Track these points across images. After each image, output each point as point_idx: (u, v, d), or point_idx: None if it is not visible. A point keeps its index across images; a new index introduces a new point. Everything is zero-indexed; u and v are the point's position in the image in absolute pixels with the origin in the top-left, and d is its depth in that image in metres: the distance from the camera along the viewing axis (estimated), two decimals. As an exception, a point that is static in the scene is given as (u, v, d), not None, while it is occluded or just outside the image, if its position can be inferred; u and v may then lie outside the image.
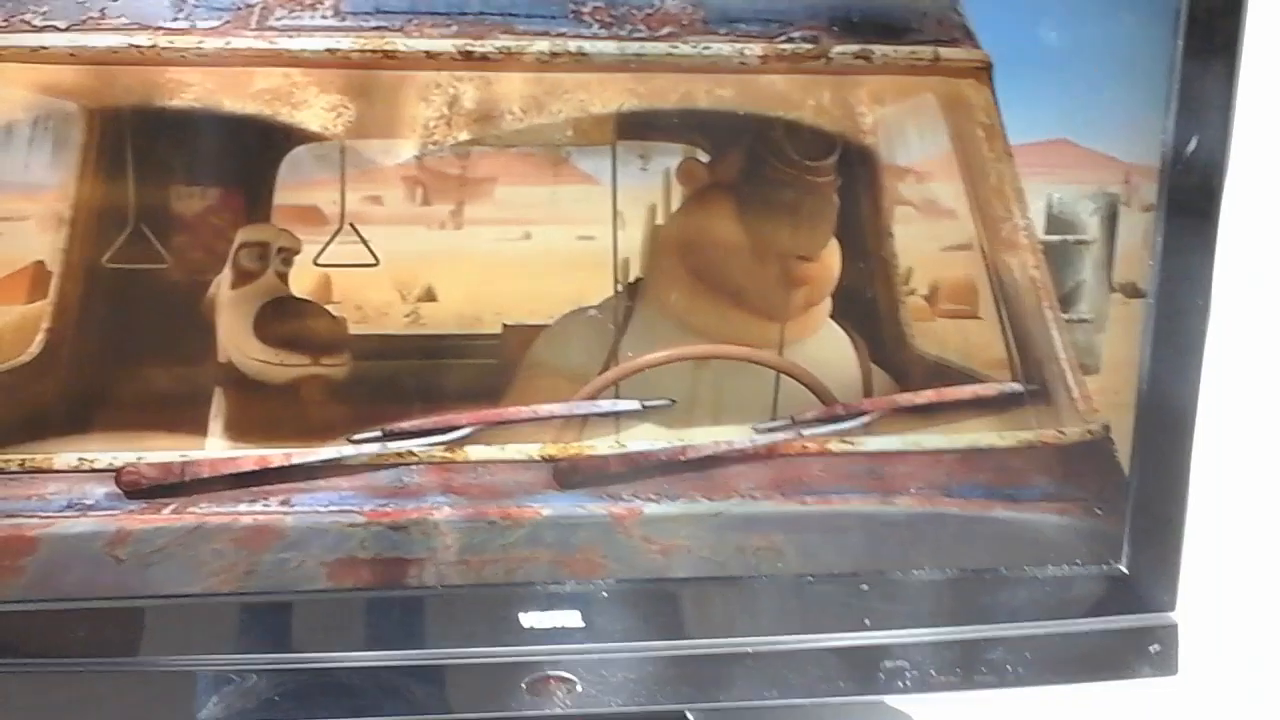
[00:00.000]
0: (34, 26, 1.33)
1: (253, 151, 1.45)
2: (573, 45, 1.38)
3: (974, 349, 1.56)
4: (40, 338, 1.42)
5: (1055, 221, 1.52)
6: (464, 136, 1.42)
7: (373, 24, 1.36)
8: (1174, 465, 1.54)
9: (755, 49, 1.42)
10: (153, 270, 1.42)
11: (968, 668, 1.51)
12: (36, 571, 1.38)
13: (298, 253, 1.44)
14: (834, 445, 1.47)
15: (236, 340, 1.43)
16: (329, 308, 1.45)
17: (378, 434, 1.42)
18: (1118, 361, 1.53)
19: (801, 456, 1.45)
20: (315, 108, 1.40)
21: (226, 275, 1.43)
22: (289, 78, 1.38)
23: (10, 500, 1.38)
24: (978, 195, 1.50)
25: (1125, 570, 1.50)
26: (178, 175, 1.42)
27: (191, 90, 1.37)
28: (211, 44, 1.34)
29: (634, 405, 1.47)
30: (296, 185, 1.44)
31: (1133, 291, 1.53)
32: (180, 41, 1.34)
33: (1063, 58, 1.46)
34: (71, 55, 1.34)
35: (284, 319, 1.45)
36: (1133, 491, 1.49)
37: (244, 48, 1.35)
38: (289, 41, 1.35)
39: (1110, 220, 1.52)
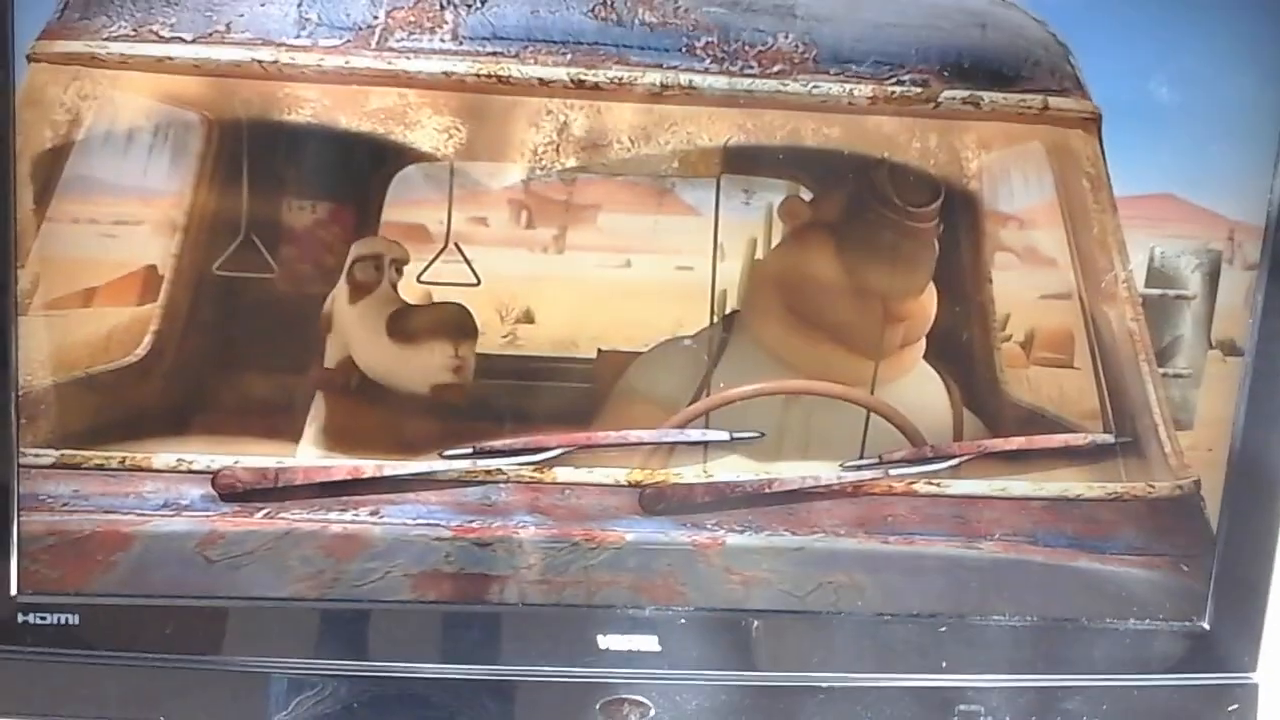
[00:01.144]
0: (161, 37, 1.38)
1: (364, 169, 1.50)
2: (684, 79, 1.40)
3: (1067, 398, 1.57)
4: (148, 339, 1.48)
5: (1156, 275, 1.53)
6: (571, 163, 1.46)
7: (489, 49, 1.39)
8: (1263, 525, 1.52)
9: (865, 90, 1.44)
10: (260, 279, 1.47)
11: (1043, 716, 1.52)
12: (129, 567, 1.42)
13: (408, 263, 1.49)
14: (921, 486, 1.48)
15: (367, 348, 1.48)
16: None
17: (469, 450, 1.45)
18: (1212, 418, 1.53)
19: (887, 496, 1.47)
20: (428, 128, 1.44)
21: (343, 289, 1.48)
22: (404, 98, 1.42)
23: (109, 497, 1.43)
24: (1080, 245, 1.52)
25: (1207, 628, 1.50)
26: (290, 188, 1.48)
27: (309, 106, 1.42)
28: (331, 62, 1.38)
29: (723, 436, 1.48)
30: (405, 203, 1.49)
31: (1231, 349, 1.52)
32: (301, 58, 1.38)
33: (1172, 114, 1.47)
34: (195, 67, 1.38)
35: (414, 320, 1.50)
36: (1220, 549, 1.50)
37: (363, 67, 1.39)
38: (406, 63, 1.38)
39: (1212, 277, 1.53)
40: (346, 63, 1.37)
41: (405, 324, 1.46)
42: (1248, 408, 1.50)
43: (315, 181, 1.46)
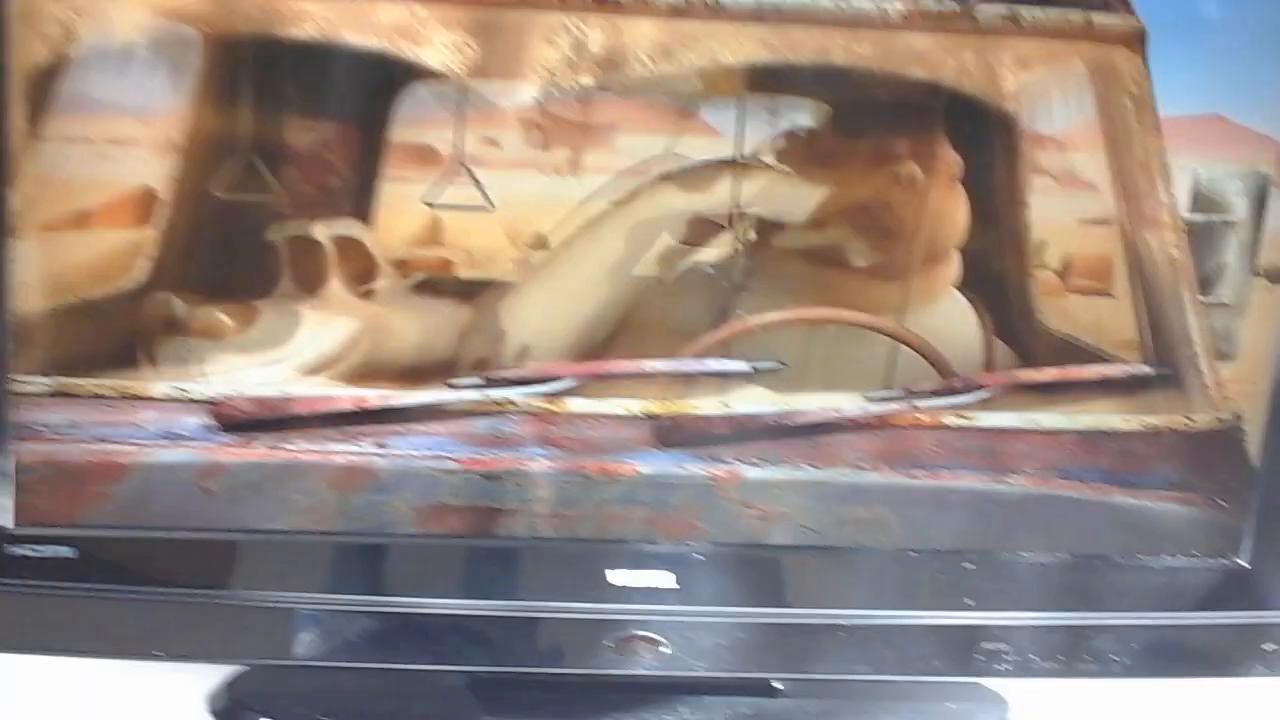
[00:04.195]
0: (157, -53, 1.34)
1: (370, 87, 1.52)
2: None
3: (1104, 328, 1.60)
4: (145, 264, 1.51)
5: (1201, 200, 1.55)
6: (587, 81, 1.48)
7: None
8: None
9: (898, 5, 1.46)
10: (261, 203, 1.51)
11: (1071, 656, 1.55)
12: (126, 499, 1.46)
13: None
14: (948, 419, 1.50)
15: None
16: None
17: (478, 380, 1.46)
18: (1255, 350, 1.56)
19: (913, 429, 1.49)
20: (437, 44, 1.46)
21: None
22: (412, 12, 1.45)
23: (105, 426, 1.46)
24: (1121, 169, 1.53)
25: (1246, 565, 1.52)
26: (293, 108, 1.50)
27: (311, 21, 1.44)
28: None
29: (743, 366, 1.50)
30: (413, 123, 1.51)
31: (1277, 277, 1.56)
32: None
33: (1221, 29, 1.50)
34: None
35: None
36: (1262, 485, 1.51)
37: None
38: None
39: (1259, 202, 1.55)
40: (352, -22, 1.32)
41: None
42: (1293, 338, 1.49)
43: (319, 101, 1.48)
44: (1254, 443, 1.51)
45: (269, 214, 1.51)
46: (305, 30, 1.44)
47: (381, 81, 1.51)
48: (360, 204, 1.52)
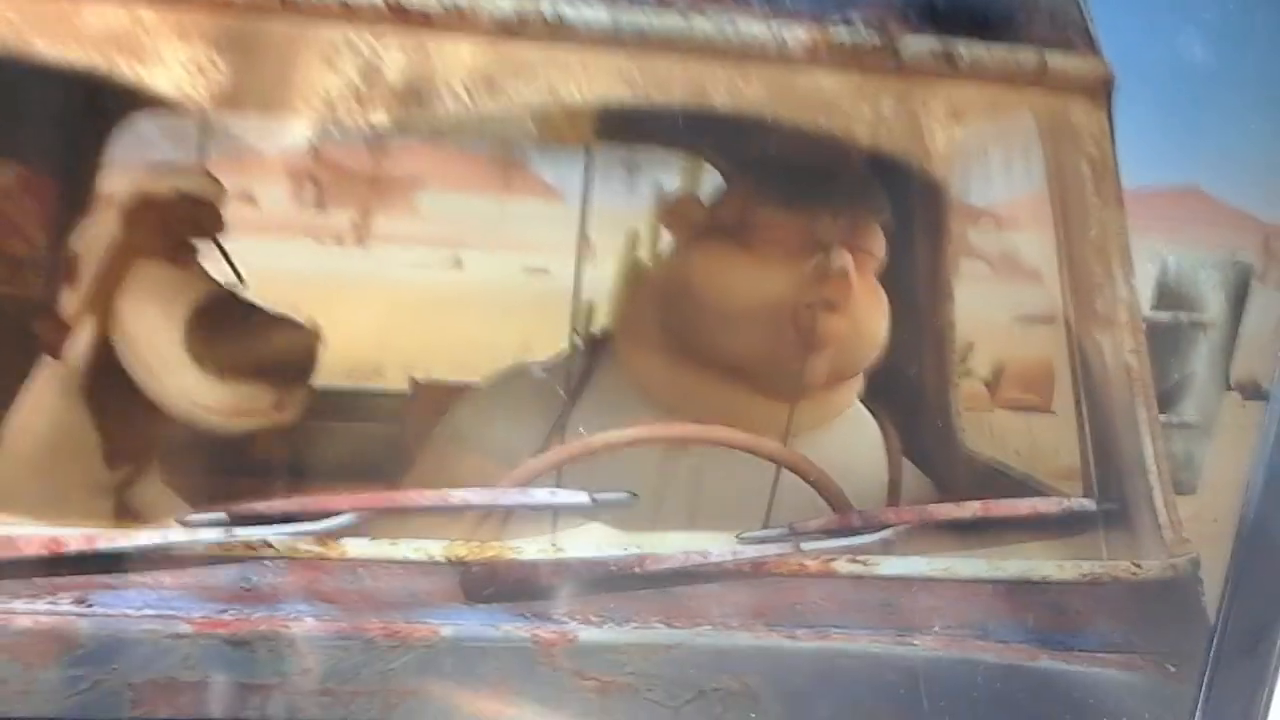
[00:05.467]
0: None
1: (74, 117, 1.32)
2: (548, 7, 1.25)
3: (1040, 452, 1.50)
4: None
5: (1167, 294, 1.46)
6: (381, 119, 1.29)
7: None
8: (1272, 616, 1.38)
9: (799, 33, 1.31)
10: None
11: None
12: None
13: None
14: (841, 565, 1.38)
15: (159, 360, 1.34)
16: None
17: (220, 516, 1.30)
18: (1221, 481, 1.46)
19: (797, 577, 1.37)
20: (169, 63, 1.26)
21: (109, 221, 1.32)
22: (135, 18, 1.24)
23: None
24: (1072, 252, 1.41)
25: None
26: None
27: None
28: None
29: (581, 498, 1.36)
30: (133, 168, 1.33)
31: (1253, 391, 1.40)
32: None
33: (1203, 81, 1.38)
34: None
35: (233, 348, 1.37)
36: (1217, 647, 1.36)
37: None
38: None
39: (1237, 296, 1.45)
40: (49, -37, 1.20)
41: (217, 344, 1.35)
42: (1269, 467, 1.36)
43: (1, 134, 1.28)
44: (1212, 594, 1.41)
45: None
46: None
47: (89, 111, 1.32)
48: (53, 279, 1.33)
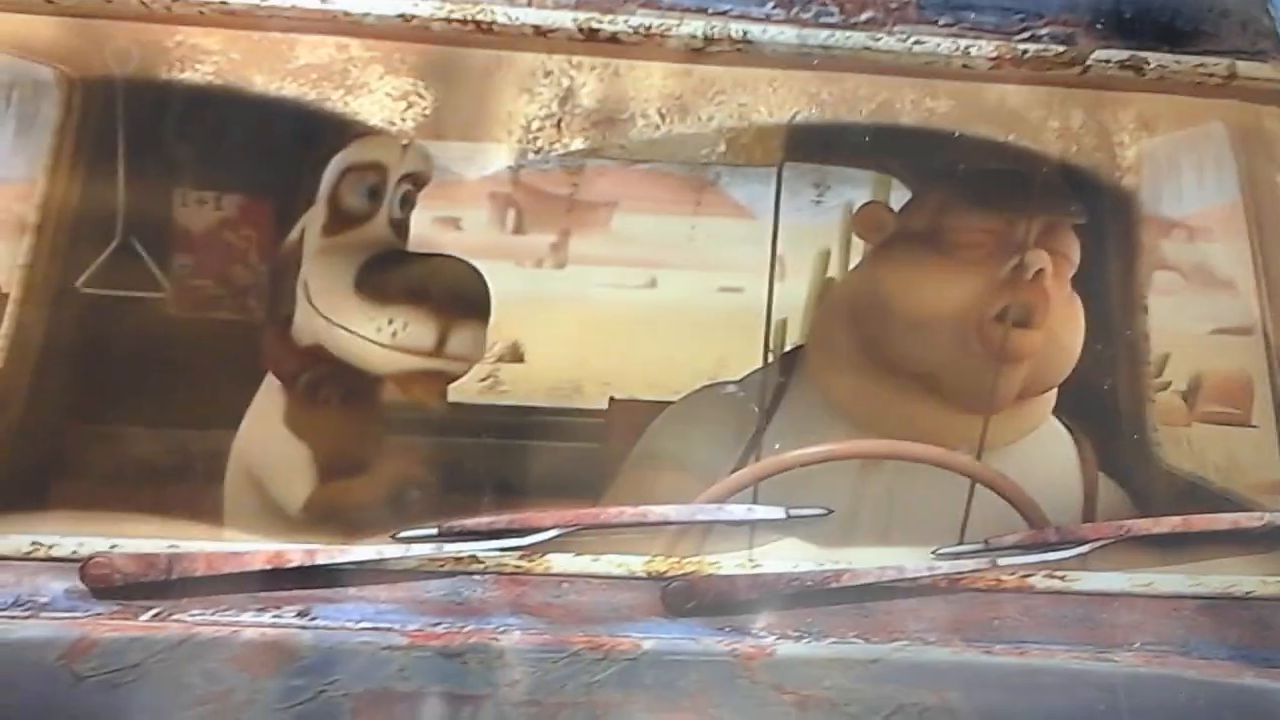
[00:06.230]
0: (-3, -41, 1.26)
1: (289, 148, 1.36)
2: (737, 29, 1.25)
3: (1239, 466, 1.46)
4: None
5: None
6: (578, 144, 1.33)
7: None
8: None
9: (985, 48, 1.29)
10: (144, 300, 1.34)
11: None
12: None
13: (425, 184, 1.35)
14: (1039, 580, 1.37)
15: (331, 303, 1.35)
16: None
17: (432, 531, 1.32)
18: None
19: (994, 592, 1.36)
20: (378, 93, 1.30)
21: (319, 214, 1.33)
22: (345, 51, 1.28)
23: None
24: (1267, 262, 1.37)
25: None
26: (185, 175, 1.36)
27: (211, 60, 1.26)
28: None
29: (777, 513, 1.36)
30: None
31: None
32: None
33: None
34: (49, 2, 1.18)
35: (397, 272, 1.37)
36: None
37: (286, 6, 1.19)
38: (348, 1, 1.19)
39: None
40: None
41: (384, 275, 1.34)
42: None
43: (220, 166, 1.34)
44: None
45: (153, 315, 1.35)
46: (201, 72, 1.26)
47: (305, 141, 1.35)
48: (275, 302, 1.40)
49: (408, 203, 1.39)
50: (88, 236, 1.28)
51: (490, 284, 1.38)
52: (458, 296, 1.38)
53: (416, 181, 1.39)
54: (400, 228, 1.40)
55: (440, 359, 1.39)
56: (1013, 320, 1.40)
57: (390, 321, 1.38)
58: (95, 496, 1.32)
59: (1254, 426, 1.41)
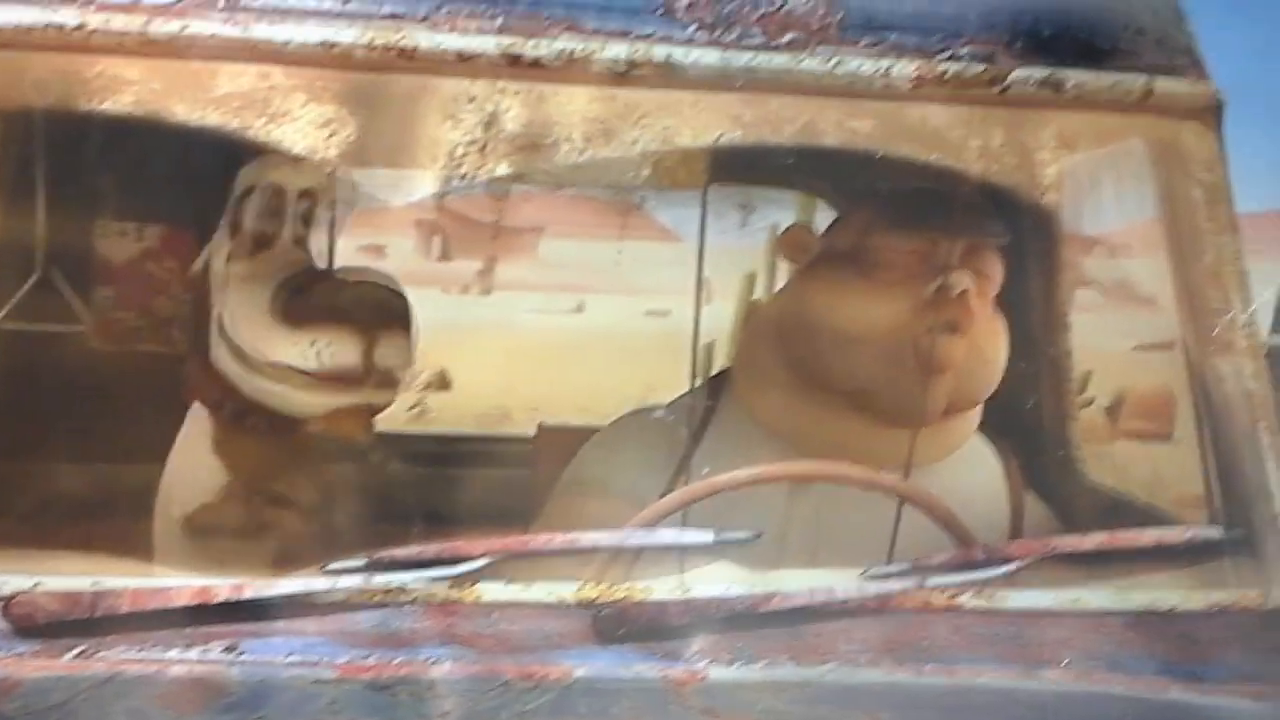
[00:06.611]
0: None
1: (211, 177, 1.35)
2: (660, 52, 1.27)
3: (1163, 481, 1.46)
4: None
5: None
6: (502, 170, 1.30)
7: (386, 9, 1.25)
8: None
9: (907, 68, 1.31)
10: (66, 333, 1.34)
11: None
12: None
13: (324, 199, 1.37)
14: (967, 600, 1.37)
15: (253, 334, 1.35)
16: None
17: (360, 563, 1.31)
18: None
19: (924, 612, 1.37)
20: (301, 121, 1.28)
21: (222, 243, 1.33)
22: (267, 79, 1.27)
23: None
24: (1187, 278, 1.39)
25: None
26: (106, 206, 1.35)
27: (131, 90, 1.25)
28: (162, 27, 1.22)
29: (706, 537, 1.36)
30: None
31: None
32: (119, 22, 1.21)
33: None
34: None
35: (313, 297, 1.38)
36: None
37: (207, 34, 1.22)
38: (269, 29, 1.22)
39: None
40: (184, 29, 1.22)
41: (300, 299, 1.36)
42: (1398, 492, 1.39)
43: (141, 196, 1.34)
44: (1350, 623, 1.39)
45: (75, 349, 1.34)
46: (121, 102, 1.25)
47: (226, 170, 1.36)
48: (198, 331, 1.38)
49: (309, 220, 1.40)
50: (7, 270, 1.28)
51: (409, 300, 1.39)
52: (377, 309, 1.38)
53: (314, 198, 1.40)
54: (305, 244, 1.41)
55: (364, 389, 1.38)
56: (939, 332, 1.42)
57: (313, 344, 1.38)
58: (18, 534, 1.31)
59: (1175, 441, 1.47)
